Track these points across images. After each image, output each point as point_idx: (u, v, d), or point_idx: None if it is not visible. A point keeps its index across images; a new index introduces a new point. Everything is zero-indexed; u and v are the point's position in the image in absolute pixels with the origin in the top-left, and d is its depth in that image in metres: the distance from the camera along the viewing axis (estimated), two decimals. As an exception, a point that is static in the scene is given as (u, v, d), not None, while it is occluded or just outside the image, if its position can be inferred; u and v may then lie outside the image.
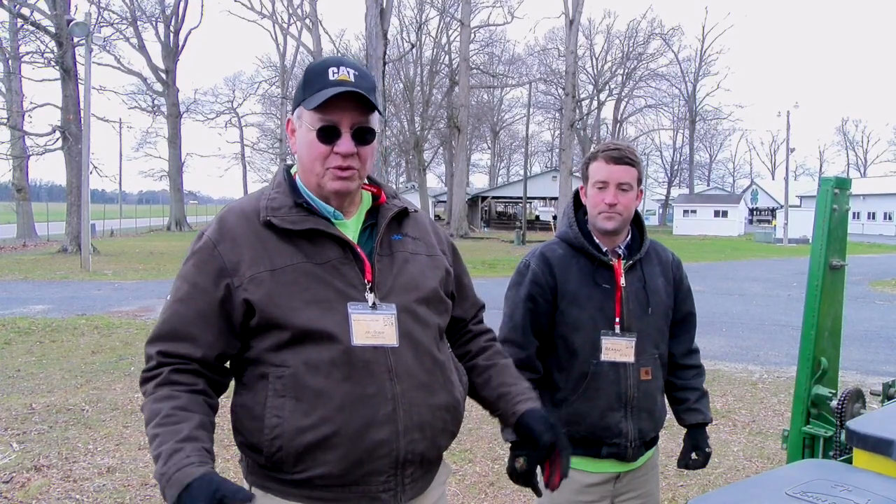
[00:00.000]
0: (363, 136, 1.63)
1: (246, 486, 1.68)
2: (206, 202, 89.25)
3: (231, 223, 1.63)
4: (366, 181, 1.76)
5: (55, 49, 24.93)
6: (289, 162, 1.82)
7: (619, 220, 2.31)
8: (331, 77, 1.60)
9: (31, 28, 26.76)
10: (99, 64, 39.78)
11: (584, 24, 55.36)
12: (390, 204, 1.75)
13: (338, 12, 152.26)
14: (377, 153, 1.88)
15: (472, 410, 1.93)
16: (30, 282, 16.41)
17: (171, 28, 44.40)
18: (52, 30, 24.76)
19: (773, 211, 64.25)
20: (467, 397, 1.85)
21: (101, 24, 32.94)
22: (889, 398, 2.95)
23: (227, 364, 1.68)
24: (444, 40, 49.42)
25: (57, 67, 24.75)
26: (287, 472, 1.58)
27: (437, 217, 57.95)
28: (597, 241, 2.37)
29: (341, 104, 1.59)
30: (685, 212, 54.05)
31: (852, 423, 1.98)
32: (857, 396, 2.86)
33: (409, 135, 48.57)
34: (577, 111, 48.32)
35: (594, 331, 2.29)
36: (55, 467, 4.78)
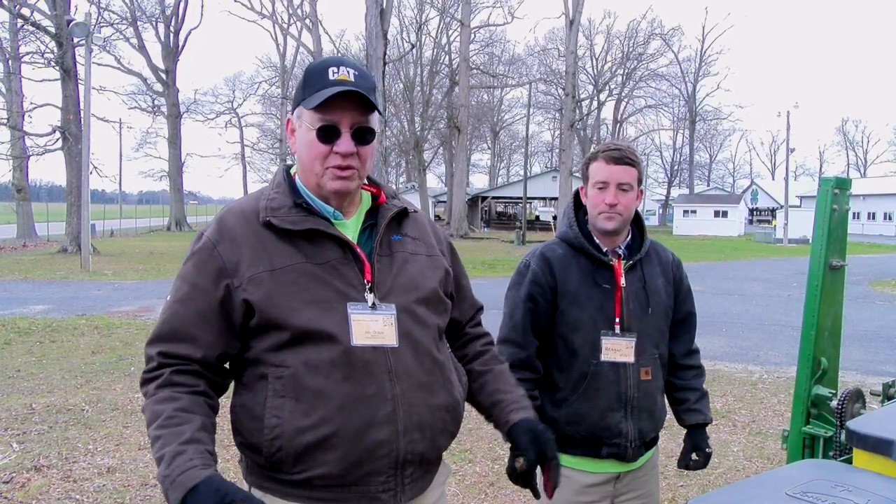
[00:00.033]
0: (363, 135, 1.63)
1: (245, 486, 1.68)
2: (206, 202, 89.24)
3: (230, 223, 1.63)
4: (365, 181, 1.76)
5: (55, 49, 24.94)
6: (288, 162, 1.82)
7: (620, 221, 2.31)
8: (331, 77, 1.60)
9: (32, 28, 26.80)
10: (99, 64, 39.85)
11: (584, 25, 55.42)
12: (390, 204, 1.75)
13: (338, 12, 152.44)
14: (377, 153, 1.88)
15: (472, 410, 1.93)
16: (30, 282, 16.41)
17: (171, 28, 44.41)
18: (52, 30, 24.77)
19: (773, 211, 64.26)
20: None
21: (101, 25, 33.00)
22: (889, 398, 2.95)
23: (227, 365, 1.68)
24: (444, 40, 49.48)
25: (57, 68, 24.76)
26: (287, 473, 1.58)
27: (437, 217, 57.96)
28: (597, 241, 2.37)
29: (341, 104, 1.59)
30: (685, 212, 54.05)
31: (852, 424, 1.98)
32: (857, 396, 2.86)
33: (409, 135, 48.57)
34: (577, 111, 48.32)
35: (594, 331, 2.29)
36: (55, 467, 4.78)
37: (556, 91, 57.16)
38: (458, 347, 1.93)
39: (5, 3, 24.97)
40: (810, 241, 3.19)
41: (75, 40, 22.96)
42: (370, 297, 1.61)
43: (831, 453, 2.84)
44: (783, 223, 40.56)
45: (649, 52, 61.04)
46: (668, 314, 2.43)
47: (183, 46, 45.23)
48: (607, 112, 67.28)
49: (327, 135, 1.61)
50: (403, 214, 1.76)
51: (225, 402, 1.67)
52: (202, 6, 76.42)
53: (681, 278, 2.51)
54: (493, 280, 15.51)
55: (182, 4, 44.69)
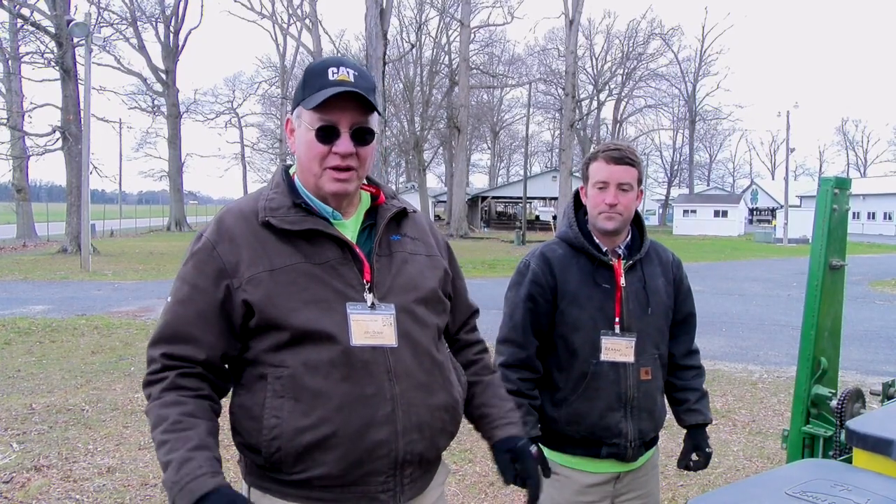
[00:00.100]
0: (362, 136, 1.63)
1: (244, 486, 1.68)
2: (205, 202, 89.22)
3: (229, 224, 1.63)
4: (365, 181, 1.76)
5: (55, 49, 24.94)
6: (288, 162, 1.82)
7: (620, 221, 2.31)
8: (330, 77, 1.60)
9: (31, 28, 26.79)
10: (99, 64, 39.83)
11: (584, 25, 55.43)
12: (389, 204, 1.74)
13: (338, 12, 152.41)
14: (377, 154, 1.88)
15: (472, 410, 1.92)
16: (30, 282, 16.41)
17: (171, 28, 44.42)
18: (52, 30, 24.78)
19: (772, 211, 64.26)
20: None
21: (101, 25, 33.00)
22: (889, 398, 2.95)
23: (227, 366, 1.68)
24: (443, 40, 49.47)
25: (57, 68, 24.76)
26: (286, 473, 1.58)
27: (437, 217, 58.00)
28: (597, 241, 2.37)
29: (341, 104, 1.59)
30: (685, 212, 54.05)
31: (852, 423, 1.98)
32: (857, 396, 2.86)
33: (409, 135, 48.57)
34: (577, 111, 48.32)
35: (594, 331, 2.29)
36: (55, 467, 4.78)
37: (556, 91, 57.18)
38: (451, 353, 1.92)
39: (5, 3, 24.98)
40: (810, 241, 3.19)
41: (75, 40, 22.96)
42: (369, 297, 1.61)
43: (831, 453, 2.85)
44: (783, 223, 40.57)
45: (649, 51, 61.12)
46: (668, 314, 2.43)
47: (183, 46, 45.26)
48: (607, 112, 67.39)
49: (326, 135, 1.60)
50: (403, 214, 1.76)
51: (224, 401, 1.67)
52: (202, 6, 76.42)
53: (681, 278, 2.51)
54: (493, 280, 15.50)
55: (182, 4, 44.73)
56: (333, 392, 1.55)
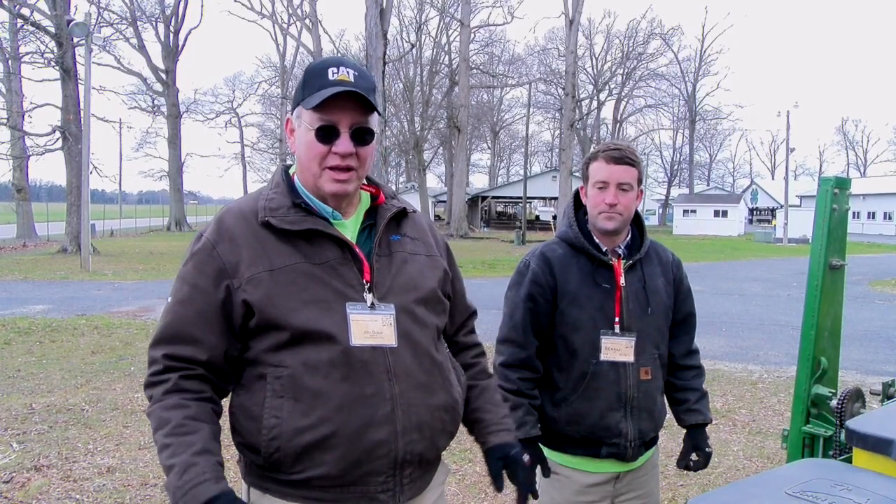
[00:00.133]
0: (362, 136, 1.63)
1: (244, 486, 1.68)
2: (205, 202, 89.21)
3: (229, 223, 1.62)
4: (364, 181, 1.76)
5: (55, 49, 24.94)
6: (287, 162, 1.82)
7: (620, 220, 2.31)
8: (330, 77, 1.60)
9: (31, 28, 26.78)
10: (99, 64, 39.85)
11: (584, 24, 55.42)
12: (389, 204, 1.74)
13: (338, 12, 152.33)
14: (377, 154, 1.88)
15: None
16: (30, 282, 16.41)
17: (171, 28, 44.42)
18: (52, 30, 24.78)
19: (772, 211, 64.26)
20: None
21: (101, 25, 32.99)
22: (889, 398, 2.95)
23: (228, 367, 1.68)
24: (443, 40, 49.46)
25: (57, 67, 24.76)
26: (285, 473, 1.58)
27: (437, 217, 57.99)
28: (597, 240, 2.37)
29: (340, 104, 1.59)
30: (685, 211, 54.06)
31: (852, 423, 1.98)
32: (857, 396, 2.86)
33: (409, 135, 48.56)
34: (577, 111, 48.31)
35: (594, 330, 2.29)
36: (55, 467, 4.78)
37: (556, 91, 57.17)
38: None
39: (5, 3, 24.98)
40: (810, 241, 3.19)
41: (75, 40, 22.97)
42: (369, 297, 1.61)
43: (831, 452, 2.85)
44: (783, 223, 40.57)
45: (649, 51, 61.09)
46: (667, 314, 2.43)
47: (183, 46, 45.27)
48: (607, 112, 67.39)
49: (326, 135, 1.60)
50: (402, 214, 1.76)
51: (224, 401, 1.67)
52: (202, 6, 76.44)
53: (681, 278, 2.51)
54: (493, 280, 15.50)
55: (182, 4, 44.73)
56: (333, 392, 1.55)
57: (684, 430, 2.53)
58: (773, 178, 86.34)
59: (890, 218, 53.90)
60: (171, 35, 44.38)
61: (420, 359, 1.65)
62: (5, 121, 27.76)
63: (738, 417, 6.28)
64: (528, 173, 49.00)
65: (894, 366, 8.53)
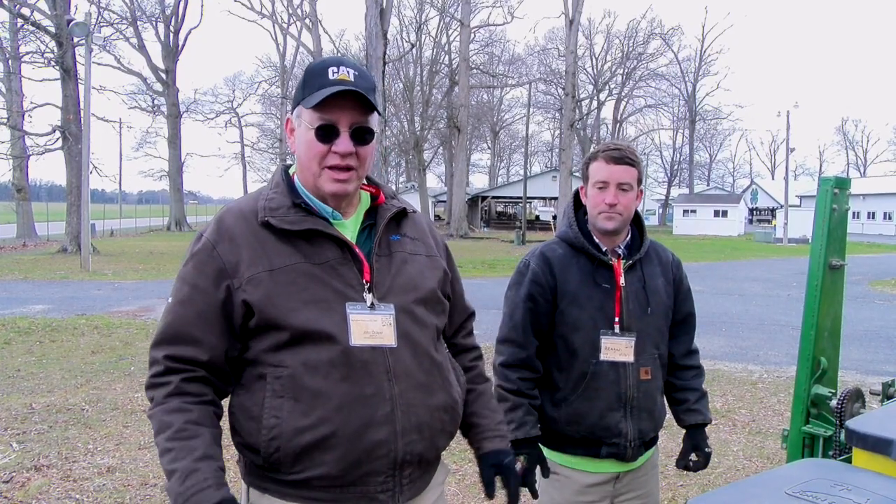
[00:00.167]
0: (362, 135, 1.62)
1: (244, 486, 1.68)
2: (205, 202, 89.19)
3: (229, 223, 1.62)
4: (365, 181, 1.76)
5: (55, 49, 24.94)
6: (287, 162, 1.82)
7: (620, 220, 2.31)
8: (330, 76, 1.59)
9: (32, 28, 26.78)
10: (99, 64, 39.84)
11: (584, 24, 55.41)
12: (389, 204, 1.74)
13: (338, 12, 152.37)
14: (377, 153, 1.88)
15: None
16: (30, 282, 16.41)
17: (171, 28, 44.41)
18: (52, 30, 24.77)
19: (772, 211, 64.26)
20: None
21: (101, 24, 32.98)
22: (889, 398, 2.95)
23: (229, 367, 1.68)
24: (443, 40, 49.46)
25: (57, 67, 24.76)
26: (285, 473, 1.58)
27: (437, 217, 57.99)
28: (597, 240, 2.37)
29: (340, 103, 1.59)
30: (685, 212, 54.06)
31: (852, 423, 1.98)
32: (857, 396, 2.86)
33: (409, 135, 48.56)
34: (577, 111, 48.31)
35: (594, 330, 2.29)
36: (55, 467, 4.78)
37: (556, 91, 57.16)
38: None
39: (5, 2, 24.98)
40: (810, 241, 3.19)
41: (75, 40, 22.96)
42: (369, 297, 1.61)
43: (831, 453, 2.85)
44: (783, 223, 40.58)
45: (649, 51, 61.10)
46: (667, 314, 2.43)
47: (183, 46, 45.25)
48: (607, 112, 67.39)
49: (326, 134, 1.60)
50: (402, 215, 1.76)
51: (223, 401, 1.67)
52: (202, 6, 76.53)
53: (681, 278, 2.51)
54: (493, 280, 15.50)
55: (182, 4, 44.72)
56: (333, 392, 1.55)
57: (684, 431, 2.53)
58: (773, 178, 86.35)
59: (890, 218, 53.90)
60: (171, 35, 44.37)
61: (420, 359, 1.65)
62: (5, 120, 27.76)
63: (738, 417, 6.28)
64: (528, 173, 49.00)
65: (894, 366, 8.53)
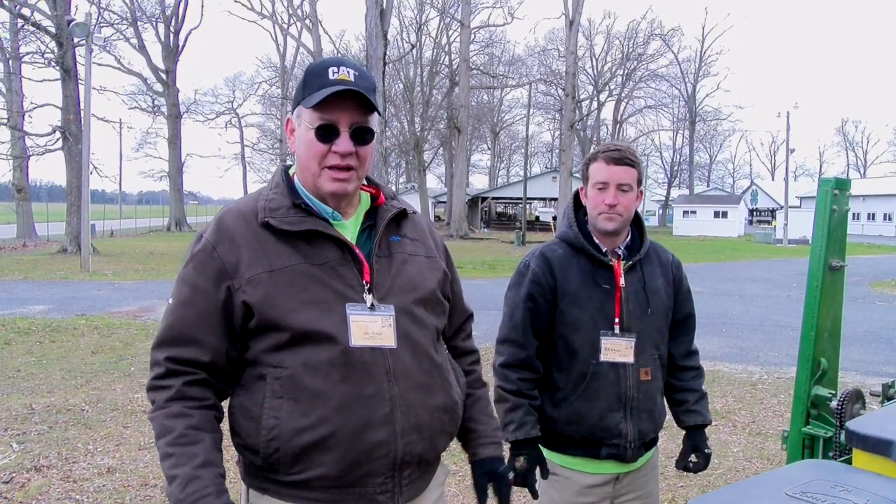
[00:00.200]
0: (362, 135, 1.62)
1: (243, 486, 1.68)
2: (206, 203, 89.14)
3: (229, 224, 1.62)
4: (365, 182, 1.76)
5: (55, 49, 24.95)
6: (287, 162, 1.82)
7: (620, 221, 2.32)
8: (331, 76, 1.59)
9: (32, 28, 26.80)
10: (99, 64, 39.81)
11: (584, 25, 55.41)
12: (389, 205, 1.74)
13: (338, 13, 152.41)
14: (377, 154, 1.88)
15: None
16: (30, 282, 16.41)
17: (172, 28, 44.41)
18: (53, 30, 24.78)
19: (772, 212, 64.23)
20: None
21: (102, 25, 33.03)
22: (889, 399, 2.95)
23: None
24: (444, 41, 49.50)
25: (57, 68, 24.76)
26: (284, 474, 1.57)
27: (437, 218, 57.97)
28: (597, 241, 2.37)
29: (340, 103, 1.58)
30: (685, 212, 54.08)
31: (852, 424, 1.98)
32: (857, 397, 2.86)
33: (409, 135, 48.58)
34: (577, 112, 48.31)
35: (594, 331, 2.29)
36: (55, 468, 4.78)
37: (556, 91, 57.17)
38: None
39: (6, 3, 24.98)
40: (810, 242, 3.19)
41: (75, 40, 22.96)
42: (369, 298, 1.61)
43: (831, 454, 2.85)
44: (783, 224, 40.60)
45: (649, 52, 61.14)
46: (667, 315, 2.43)
47: (183, 46, 45.25)
48: (607, 112, 67.40)
49: (326, 134, 1.60)
50: (402, 215, 1.76)
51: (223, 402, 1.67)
52: (202, 6, 76.68)
53: (680, 279, 2.51)
54: (493, 281, 15.50)
55: (182, 4, 44.73)
56: (332, 392, 1.54)
57: (684, 432, 2.53)
58: (773, 179, 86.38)
59: (890, 219, 53.92)
60: (172, 35, 44.38)
61: (419, 359, 1.65)
62: (6, 121, 27.76)
63: (738, 418, 6.28)
64: (528, 174, 48.99)
65: (894, 367, 8.53)
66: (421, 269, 1.73)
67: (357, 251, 1.64)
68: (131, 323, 10.78)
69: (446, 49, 49.43)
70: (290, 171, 1.74)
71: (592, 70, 64.14)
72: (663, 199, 72.12)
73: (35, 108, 30.81)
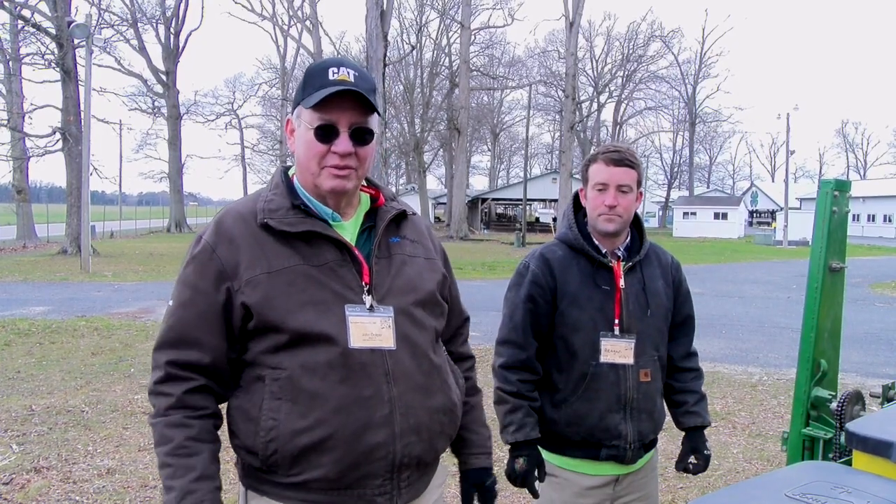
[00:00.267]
0: (361, 136, 1.62)
1: (241, 488, 1.68)
2: (206, 204, 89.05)
3: (228, 225, 1.62)
4: (364, 183, 1.75)
5: (56, 50, 24.95)
6: (287, 163, 1.82)
7: (619, 222, 2.31)
8: (330, 77, 1.59)
9: (32, 30, 26.80)
10: (99, 65, 39.78)
11: (584, 27, 55.42)
12: (389, 206, 1.74)
13: (338, 14, 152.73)
14: (376, 155, 1.88)
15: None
16: (29, 283, 16.41)
17: (172, 30, 44.42)
18: (53, 31, 24.78)
19: (772, 213, 64.18)
20: None
21: (102, 26, 33.02)
22: (889, 400, 2.95)
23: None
24: (444, 42, 49.55)
25: (57, 69, 24.76)
26: (282, 475, 1.57)
27: (437, 219, 57.98)
28: (596, 242, 2.37)
29: (340, 104, 1.58)
30: (685, 214, 54.06)
31: (852, 425, 1.98)
32: (857, 398, 2.86)
33: (409, 137, 48.61)
34: (577, 113, 48.32)
35: (594, 332, 2.29)
36: (55, 469, 4.78)
37: (556, 93, 57.16)
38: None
39: (6, 4, 24.99)
40: (810, 244, 3.19)
41: (76, 41, 22.95)
42: (368, 299, 1.61)
43: (831, 455, 2.84)
44: (783, 225, 40.60)
45: (649, 53, 61.17)
46: (667, 316, 2.43)
47: (183, 48, 45.25)
48: (607, 114, 67.43)
49: (325, 134, 1.60)
50: (402, 217, 1.76)
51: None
52: (202, 8, 77.25)
53: (680, 281, 2.50)
54: (493, 282, 15.50)
55: (182, 6, 44.74)
56: (331, 394, 1.54)
57: (683, 433, 2.52)
58: (773, 181, 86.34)
59: (890, 220, 53.92)
60: (172, 36, 44.38)
61: (419, 361, 1.64)
62: (6, 122, 27.76)
63: (738, 420, 6.28)
64: (528, 175, 49.02)
65: (894, 368, 8.53)
66: (420, 270, 1.73)
67: (356, 252, 1.64)
68: (131, 324, 10.78)
69: (446, 50, 49.49)
70: (290, 172, 1.74)
71: (592, 71, 64.20)
72: (663, 200, 72.13)
73: (35, 109, 30.74)
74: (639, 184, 2.36)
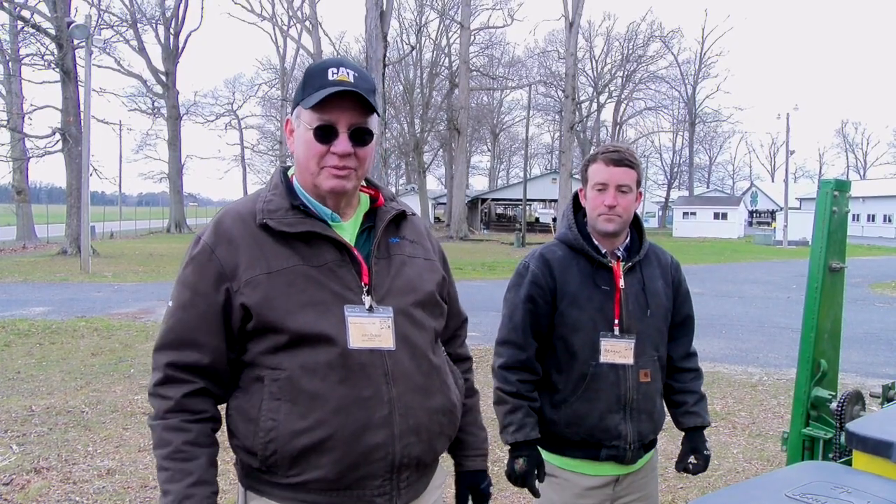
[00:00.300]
0: (361, 136, 1.62)
1: (241, 489, 1.68)
2: (205, 204, 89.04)
3: (227, 226, 1.62)
4: (364, 183, 1.75)
5: (55, 51, 24.95)
6: (287, 164, 1.82)
7: (619, 222, 2.31)
8: (330, 77, 1.59)
9: (32, 30, 26.82)
10: (99, 66, 39.69)
11: (584, 27, 55.41)
12: (388, 206, 1.74)
13: (338, 14, 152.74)
14: (376, 155, 1.88)
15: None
16: (29, 284, 16.41)
17: (171, 30, 44.40)
18: (53, 32, 24.78)
19: (772, 213, 64.17)
20: None
21: (102, 27, 32.99)
22: (889, 400, 2.95)
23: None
24: (443, 42, 49.57)
25: (57, 69, 24.76)
26: (282, 476, 1.57)
27: (437, 219, 57.98)
28: (596, 242, 2.37)
29: (340, 104, 1.58)
30: (685, 214, 54.06)
31: (852, 426, 1.98)
32: (857, 398, 2.86)
33: (409, 137, 48.62)
34: (577, 113, 48.31)
35: (593, 332, 2.29)
36: (55, 469, 4.77)
37: (556, 93, 57.16)
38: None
39: (6, 4, 25.01)
40: (810, 244, 3.19)
41: (75, 42, 22.96)
42: (367, 300, 1.61)
43: (831, 455, 2.84)
44: (783, 225, 40.60)
45: (649, 54, 61.17)
46: (667, 316, 2.43)
47: (183, 48, 45.23)
48: (607, 114, 67.42)
49: (325, 134, 1.60)
50: (402, 217, 1.76)
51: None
52: (202, 8, 77.06)
53: (679, 281, 2.50)
54: (493, 282, 15.50)
55: (182, 6, 44.73)
56: (330, 395, 1.54)
57: (683, 433, 2.52)
58: (772, 181, 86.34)
59: (890, 220, 53.91)
60: (172, 37, 44.37)
61: (418, 361, 1.64)
62: (5, 123, 27.76)
63: (738, 420, 6.28)
64: (528, 175, 49.03)
65: (894, 368, 8.53)
66: (420, 270, 1.73)
67: (356, 253, 1.63)
68: (131, 325, 10.78)
69: (446, 51, 49.50)
70: (289, 173, 1.73)
71: (592, 72, 64.20)
72: (663, 200, 72.12)
73: (35, 110, 30.72)
74: (638, 184, 2.36)
